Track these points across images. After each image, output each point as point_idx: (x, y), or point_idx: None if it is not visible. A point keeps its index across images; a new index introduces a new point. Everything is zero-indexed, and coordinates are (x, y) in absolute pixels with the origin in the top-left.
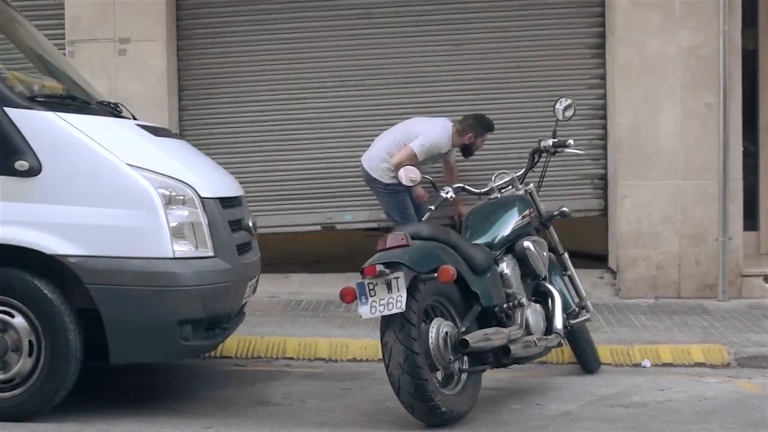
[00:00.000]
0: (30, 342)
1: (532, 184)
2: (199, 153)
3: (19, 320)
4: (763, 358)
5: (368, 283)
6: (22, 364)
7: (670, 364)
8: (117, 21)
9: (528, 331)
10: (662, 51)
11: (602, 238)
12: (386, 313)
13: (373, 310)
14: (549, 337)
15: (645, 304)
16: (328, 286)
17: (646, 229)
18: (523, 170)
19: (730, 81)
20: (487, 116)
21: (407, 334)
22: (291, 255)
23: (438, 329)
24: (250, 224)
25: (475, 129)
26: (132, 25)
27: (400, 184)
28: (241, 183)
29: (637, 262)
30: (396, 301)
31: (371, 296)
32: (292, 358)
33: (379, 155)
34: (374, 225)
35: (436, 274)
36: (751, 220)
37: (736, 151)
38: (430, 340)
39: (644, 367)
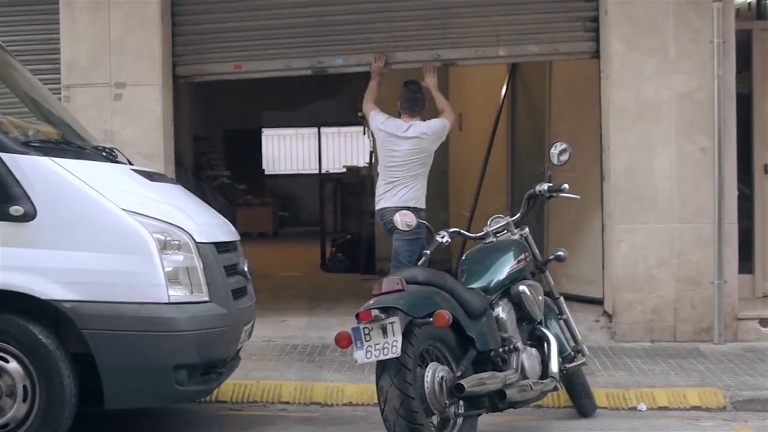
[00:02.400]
0: (24, 387)
1: (527, 228)
2: (195, 198)
3: (13, 365)
4: (759, 401)
5: (363, 328)
6: (16, 409)
7: (666, 408)
8: (113, 65)
9: (524, 375)
10: (657, 95)
11: (598, 281)
12: (381, 357)
13: (369, 354)
14: (545, 381)
15: (641, 347)
16: (324, 330)
17: (641, 273)
18: (518, 214)
19: (724, 125)
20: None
21: (403, 378)
22: (287, 299)
23: (434, 374)
24: (246, 269)
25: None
26: (127, 69)
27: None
28: None
29: (632, 306)
30: (391, 346)
31: (366, 341)
32: (287, 403)
33: (407, 200)
34: (366, 68)
35: (431, 319)
36: (746, 263)
37: (731, 195)
38: (426, 385)
39: (640, 410)
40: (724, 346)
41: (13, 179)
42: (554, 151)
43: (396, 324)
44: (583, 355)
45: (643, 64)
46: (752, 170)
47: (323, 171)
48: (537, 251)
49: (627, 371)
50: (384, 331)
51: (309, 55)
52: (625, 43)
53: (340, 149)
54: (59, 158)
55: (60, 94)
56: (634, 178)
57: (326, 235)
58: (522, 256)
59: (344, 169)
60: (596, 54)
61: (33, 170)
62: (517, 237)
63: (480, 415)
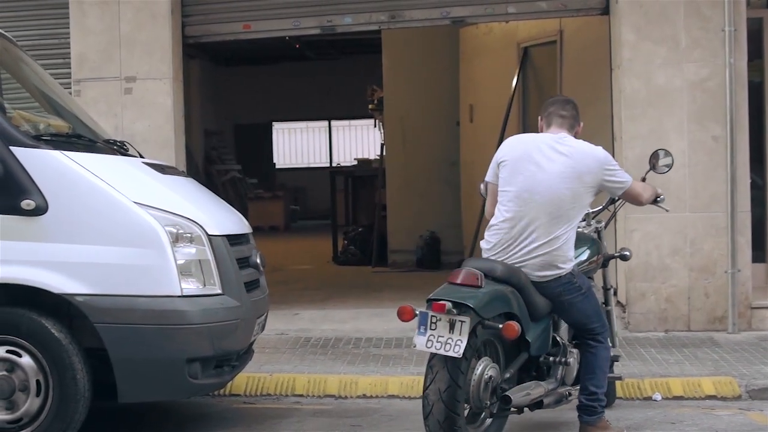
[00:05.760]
0: (38, 382)
1: (603, 222)
2: (206, 191)
3: (26, 360)
4: None
5: (432, 316)
6: (29, 404)
7: (681, 398)
8: (123, 59)
9: (563, 382)
10: (668, 84)
11: (611, 271)
12: (442, 352)
13: (430, 344)
14: (578, 386)
15: (655, 337)
16: (336, 322)
17: (655, 262)
18: (600, 207)
19: (737, 113)
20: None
21: (457, 366)
22: (299, 292)
23: (483, 370)
24: (258, 261)
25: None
26: (138, 63)
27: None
28: None
29: (646, 296)
30: (454, 344)
31: (432, 330)
32: (301, 395)
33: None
34: (375, 27)
35: (500, 326)
36: (759, 252)
37: (743, 183)
38: (473, 378)
39: (655, 400)
40: (738, 335)
41: (24, 173)
42: (657, 160)
43: (465, 324)
44: (614, 347)
45: (655, 53)
46: (765, 159)
47: (334, 164)
48: (606, 249)
49: (641, 361)
50: (451, 326)
51: (317, 14)
52: (635, 32)
53: (351, 142)
54: (70, 152)
55: (70, 88)
56: (646, 168)
57: (338, 228)
58: (595, 258)
59: (355, 162)
60: (606, 10)
61: (44, 164)
62: (591, 229)
63: (509, 414)
